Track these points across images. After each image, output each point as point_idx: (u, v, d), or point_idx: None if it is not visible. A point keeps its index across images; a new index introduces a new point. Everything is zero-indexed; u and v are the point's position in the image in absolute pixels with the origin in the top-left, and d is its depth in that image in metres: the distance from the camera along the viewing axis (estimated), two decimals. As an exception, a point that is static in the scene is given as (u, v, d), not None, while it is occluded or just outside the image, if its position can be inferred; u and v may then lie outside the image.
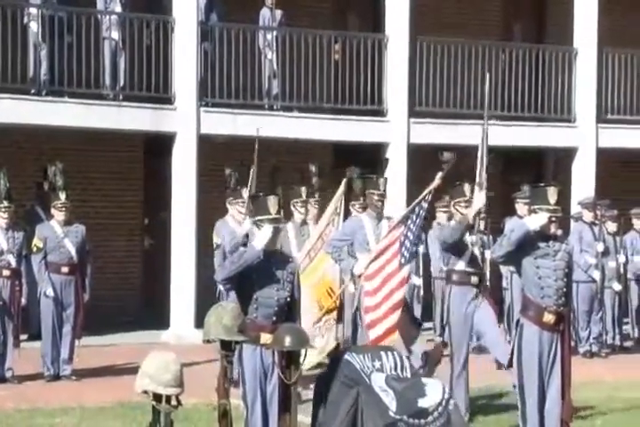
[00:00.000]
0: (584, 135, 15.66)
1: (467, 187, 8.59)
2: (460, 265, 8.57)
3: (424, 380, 6.70)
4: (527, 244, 7.07)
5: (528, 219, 7.23)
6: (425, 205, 8.21)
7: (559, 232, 7.39)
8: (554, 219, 7.13)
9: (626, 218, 13.26)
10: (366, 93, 14.65)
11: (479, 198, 8.24)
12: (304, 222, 10.49)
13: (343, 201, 9.60)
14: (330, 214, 9.50)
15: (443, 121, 14.98)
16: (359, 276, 8.69)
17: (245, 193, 10.20)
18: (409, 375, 6.57)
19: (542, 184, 7.44)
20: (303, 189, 10.49)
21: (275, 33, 14.28)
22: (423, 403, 6.39)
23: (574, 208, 13.90)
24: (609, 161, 15.86)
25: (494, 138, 15.25)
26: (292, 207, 10.42)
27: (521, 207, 11.36)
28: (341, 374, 6.52)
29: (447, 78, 14.99)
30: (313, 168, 11.72)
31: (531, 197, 7.52)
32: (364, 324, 8.39)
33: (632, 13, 16.84)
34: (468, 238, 8.51)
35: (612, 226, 12.87)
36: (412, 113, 14.80)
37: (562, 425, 7.10)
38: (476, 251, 8.61)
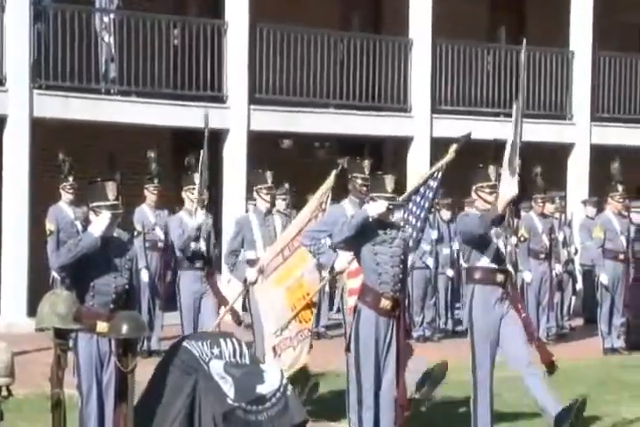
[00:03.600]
0: (419, 125, 15.98)
1: (491, 170, 7.56)
2: (484, 261, 7.45)
3: (262, 366, 6.71)
4: (366, 231, 7.17)
5: (367, 206, 7.33)
6: (434, 184, 7.38)
7: (393, 219, 7.50)
8: (391, 207, 7.25)
9: (459, 207, 13.62)
10: (206, 79, 14.53)
11: (512, 186, 7.13)
12: (269, 212, 9.21)
13: (330, 196, 8.35)
14: (312, 210, 8.22)
15: (283, 108, 15.01)
16: (341, 272, 7.84)
17: (197, 179, 9.40)
18: (248, 362, 6.57)
19: (380, 173, 7.55)
20: (269, 173, 9.24)
21: (112, 16, 13.99)
22: (261, 389, 6.41)
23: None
24: (444, 150, 16.22)
25: (332, 127, 15.60)
26: (255, 194, 9.30)
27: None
28: (179, 361, 6.47)
29: (287, 66, 15.02)
30: (152, 154, 11.51)
31: (370, 185, 7.62)
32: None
33: (465, 4, 17.25)
34: (493, 231, 7.41)
35: (446, 214, 13.23)
36: (253, 100, 14.78)
37: (397, 408, 7.25)
38: (501, 245, 7.48)
